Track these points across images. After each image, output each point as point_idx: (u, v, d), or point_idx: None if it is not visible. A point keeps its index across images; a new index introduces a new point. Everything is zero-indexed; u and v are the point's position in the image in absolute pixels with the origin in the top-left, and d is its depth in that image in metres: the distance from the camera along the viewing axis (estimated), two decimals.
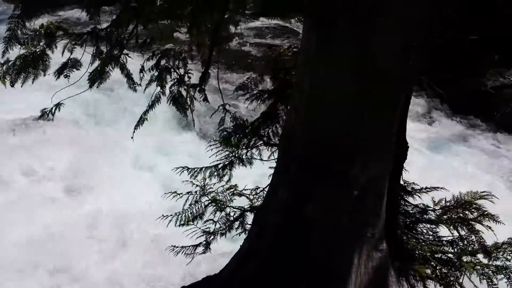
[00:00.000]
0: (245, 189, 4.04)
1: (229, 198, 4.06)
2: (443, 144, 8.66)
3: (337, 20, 2.47)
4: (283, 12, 4.94)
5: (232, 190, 4.04)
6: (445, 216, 3.88)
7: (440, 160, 8.10)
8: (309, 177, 2.79)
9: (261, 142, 3.60)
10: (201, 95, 4.19)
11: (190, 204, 3.95)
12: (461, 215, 3.82)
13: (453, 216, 3.86)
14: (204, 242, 4.03)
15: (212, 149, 3.82)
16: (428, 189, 3.88)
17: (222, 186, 4.01)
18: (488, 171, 7.88)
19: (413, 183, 3.97)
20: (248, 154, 3.71)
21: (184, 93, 4.18)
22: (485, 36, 3.05)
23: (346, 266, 2.85)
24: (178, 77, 4.14)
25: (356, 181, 2.73)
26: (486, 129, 9.19)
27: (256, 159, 3.72)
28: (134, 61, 4.13)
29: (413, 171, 7.59)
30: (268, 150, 3.65)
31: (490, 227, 3.74)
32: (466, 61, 6.70)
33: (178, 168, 3.79)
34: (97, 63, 3.93)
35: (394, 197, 3.20)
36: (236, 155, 3.78)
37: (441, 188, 3.89)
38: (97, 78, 4.02)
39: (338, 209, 2.78)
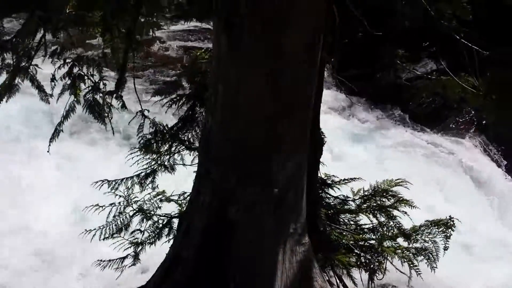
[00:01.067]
0: (173, 195, 4.01)
1: (157, 205, 4.02)
2: (363, 136, 9.09)
3: (247, 22, 2.51)
4: (199, 15, 4.93)
5: (160, 196, 4.00)
6: (364, 205, 4.08)
7: (360, 150, 8.51)
8: (231, 180, 2.81)
9: (183, 147, 3.59)
10: (118, 102, 4.08)
11: (114, 216, 3.87)
12: (379, 202, 4.04)
13: (372, 204, 4.07)
14: (133, 253, 3.96)
15: (133, 158, 3.75)
16: (347, 180, 4.06)
17: (149, 193, 3.96)
18: (405, 159, 8.40)
19: (333, 175, 4.14)
20: (170, 160, 3.68)
21: (100, 100, 4.05)
22: (388, 33, 3.25)
23: (271, 264, 2.90)
24: (92, 84, 4.00)
25: (275, 179, 2.79)
26: (402, 120, 9.77)
27: (178, 164, 3.70)
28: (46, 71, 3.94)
29: (335, 163, 7.93)
30: (190, 154, 3.64)
31: (405, 212, 3.99)
32: (376, 57, 7.12)
33: (97, 182, 3.68)
34: (4, 76, 3.72)
35: (314, 191, 3.32)
36: (159, 162, 3.74)
37: (358, 178, 4.07)
38: (5, 92, 3.80)
39: (260, 208, 2.83)
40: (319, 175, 4.14)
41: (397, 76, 8.68)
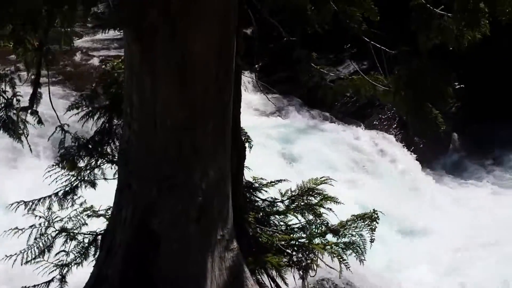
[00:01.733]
0: (100, 210, 3.87)
1: (83, 222, 3.85)
2: (295, 135, 9.32)
3: (157, 31, 2.48)
4: (115, 25, 4.79)
5: (87, 212, 3.84)
6: (293, 205, 4.15)
7: (294, 150, 8.72)
8: (152, 192, 2.76)
9: (103, 160, 3.47)
10: (34, 117, 3.88)
11: (35, 239, 3.67)
12: (306, 201, 4.13)
13: (300, 204, 4.15)
14: (59, 276, 3.78)
15: (51, 175, 3.57)
16: (274, 182, 4.11)
17: (75, 210, 3.79)
18: (334, 155, 8.71)
19: (261, 178, 4.18)
20: (91, 175, 3.54)
21: (14, 117, 3.83)
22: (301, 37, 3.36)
23: (200, 273, 2.88)
24: (5, 101, 3.79)
25: (198, 188, 2.77)
26: (329, 118, 10.13)
27: (100, 179, 3.58)
28: None
29: (266, 164, 8.03)
30: (112, 168, 3.53)
31: (331, 209, 4.11)
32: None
33: (13, 204, 3.48)
34: None
35: (240, 196, 3.33)
36: (80, 177, 3.60)
37: (284, 180, 4.14)
38: None
39: (184, 219, 2.80)
40: (248, 179, 4.19)
41: (322, 78, 8.93)
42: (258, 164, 7.60)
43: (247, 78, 10.77)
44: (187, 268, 2.88)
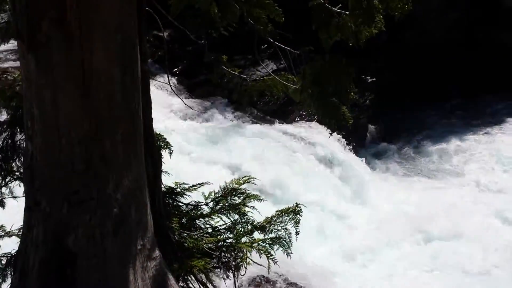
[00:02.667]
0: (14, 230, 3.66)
1: None
2: (219, 137, 9.34)
3: (52, 40, 2.39)
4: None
5: None
6: (218, 207, 4.17)
7: (218, 151, 8.75)
8: (62, 208, 2.64)
9: (10, 178, 3.29)
10: None
11: None
12: (230, 202, 4.17)
13: (224, 205, 4.19)
14: None
15: None
16: (196, 186, 4.11)
17: None
18: (260, 153, 8.85)
19: (183, 182, 4.17)
20: None
21: None
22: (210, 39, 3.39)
23: (122, 286, 2.80)
24: None
25: (112, 200, 2.70)
26: (255, 117, 10.29)
27: (8, 197, 3.38)
28: None
29: (192, 167, 7.99)
30: (20, 185, 3.35)
31: (254, 207, 4.18)
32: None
33: None
34: None
35: (159, 203, 3.29)
36: None
37: (206, 182, 4.15)
38: None
39: (100, 233, 2.71)
40: (170, 185, 4.15)
41: (243, 79, 9.06)
42: (180, 169, 7.57)
43: (171, 81, 10.68)
44: (108, 282, 2.79)
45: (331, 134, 3.37)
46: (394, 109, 10.72)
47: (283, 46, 3.33)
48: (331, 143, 9.71)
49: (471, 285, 6.87)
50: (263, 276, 7.02)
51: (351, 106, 10.55)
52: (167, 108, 9.50)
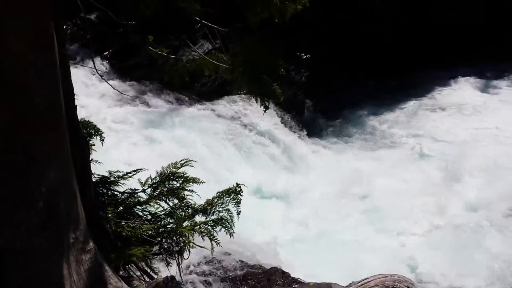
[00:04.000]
0: None
1: None
2: (157, 120, 9.14)
3: None
4: None
5: None
6: (156, 193, 4.09)
7: (162, 134, 8.59)
8: None
9: None
10: None
11: None
12: (168, 187, 4.09)
13: (162, 190, 4.11)
14: None
15: None
16: (131, 173, 4.00)
17: None
18: (200, 135, 8.78)
19: (118, 171, 4.04)
20: None
21: None
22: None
23: (56, 282, 2.69)
24: None
25: (37, 194, 2.56)
26: (191, 99, 10.13)
27: None
28: None
29: (130, 153, 7.77)
30: None
31: (193, 190, 4.13)
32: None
33: None
34: None
35: (90, 194, 3.17)
36: None
37: (141, 169, 4.04)
38: None
39: (27, 228, 2.57)
40: (104, 174, 4.00)
41: (174, 59, 8.87)
42: (119, 154, 7.34)
43: (103, 65, 10.23)
44: (41, 279, 2.67)
45: (265, 111, 3.37)
46: (329, 84, 10.95)
47: (210, 24, 3.26)
48: (269, 120, 9.78)
49: (412, 244, 7.29)
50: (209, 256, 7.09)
51: (290, 83, 10.65)
52: (100, 93, 9.13)
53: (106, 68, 10.12)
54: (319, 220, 7.87)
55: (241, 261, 7.08)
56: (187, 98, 9.97)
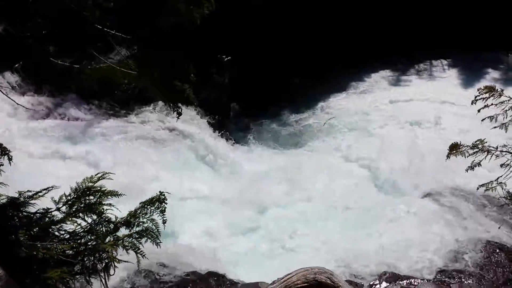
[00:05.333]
0: None
1: None
2: (76, 133, 8.74)
3: None
4: None
5: None
6: (72, 210, 3.88)
7: (76, 149, 8.21)
8: None
9: None
10: None
11: None
12: (86, 202, 3.90)
13: (79, 206, 3.90)
14: None
15: None
16: (42, 192, 3.77)
17: None
18: (120, 146, 8.51)
19: (28, 190, 3.79)
20: None
21: None
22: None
23: None
24: None
25: None
26: (111, 109, 9.78)
27: None
28: None
29: (46, 169, 7.36)
30: None
31: (111, 204, 3.97)
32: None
33: None
34: None
35: None
36: None
37: (52, 187, 3.83)
38: None
39: None
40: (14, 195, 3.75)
41: (81, 70, 8.57)
42: (31, 173, 6.94)
43: (14, 79, 9.59)
44: None
45: (178, 117, 3.31)
46: (254, 85, 11.04)
47: (113, 32, 3.15)
48: (195, 124, 9.70)
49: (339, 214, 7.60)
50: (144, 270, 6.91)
51: (212, 86, 10.62)
52: (10, 109, 8.54)
53: (17, 82, 9.52)
54: (251, 222, 7.93)
55: (178, 269, 6.97)
56: (107, 108, 9.62)
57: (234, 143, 10.10)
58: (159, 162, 8.69)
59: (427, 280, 6.50)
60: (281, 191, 8.33)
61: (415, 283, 6.48)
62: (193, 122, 9.64)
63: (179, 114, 3.15)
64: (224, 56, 10.38)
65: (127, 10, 4.25)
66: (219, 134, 9.91)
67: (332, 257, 6.85)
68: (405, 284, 6.49)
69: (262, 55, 10.92)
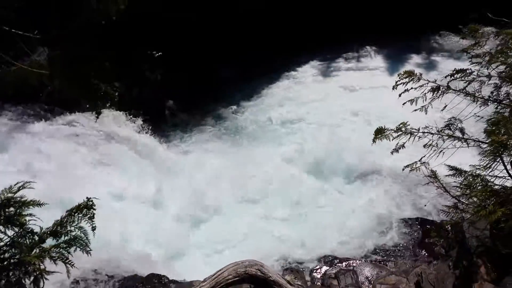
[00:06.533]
0: None
1: None
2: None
3: None
4: None
5: None
6: None
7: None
8: None
9: None
10: None
11: None
12: (6, 214, 3.67)
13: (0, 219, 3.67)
14: None
15: None
16: None
17: None
18: (50, 150, 8.11)
19: None
20: None
21: None
22: None
23: None
24: None
25: None
26: (39, 112, 9.29)
27: None
28: None
29: None
30: None
31: (31, 214, 3.75)
32: None
33: None
34: None
35: None
36: None
37: None
38: None
39: None
40: None
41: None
42: None
43: None
44: None
45: (97, 117, 3.17)
46: (188, 80, 10.85)
47: (21, 33, 2.96)
48: (128, 124, 9.41)
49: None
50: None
51: (144, 84, 10.31)
52: None
53: None
54: (187, 223, 7.84)
55: (116, 275, 6.78)
56: (33, 111, 9.11)
57: (170, 141, 9.89)
58: (90, 165, 8.36)
59: (364, 260, 6.74)
60: (219, 190, 8.29)
61: (354, 264, 6.70)
62: (125, 122, 9.34)
63: (98, 113, 3.02)
64: (154, 52, 10.12)
65: (38, 8, 4.03)
66: (154, 133, 9.66)
67: (272, 248, 6.94)
68: (344, 266, 6.69)
69: (193, 50, 10.75)
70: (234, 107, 11.26)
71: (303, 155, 9.01)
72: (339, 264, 6.77)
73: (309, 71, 12.24)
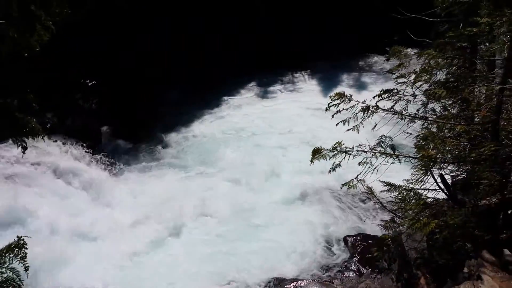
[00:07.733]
0: None
1: None
2: None
3: None
4: None
5: None
6: None
7: None
8: None
9: None
10: None
11: None
12: None
13: None
14: None
15: None
16: None
17: None
18: None
19: None
20: None
21: None
22: None
23: None
24: None
25: None
26: None
27: None
28: None
29: None
30: None
31: None
32: None
33: None
34: None
35: None
36: None
37: None
38: None
39: None
40: None
41: None
42: None
43: None
44: None
45: (23, 152, 2.97)
46: (121, 107, 10.66)
47: None
48: (64, 153, 9.06)
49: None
50: None
51: (78, 113, 10.00)
52: None
53: None
54: (133, 251, 7.60)
55: None
56: None
57: (108, 168, 9.59)
58: (26, 200, 7.91)
59: (311, 280, 6.78)
60: (159, 215, 8.13)
61: (302, 284, 6.71)
62: (59, 153, 8.98)
63: (24, 148, 2.87)
64: (88, 81, 9.88)
65: None
66: (91, 161, 9.35)
67: (219, 272, 6.85)
68: (292, 286, 6.69)
69: (127, 78, 10.61)
70: (173, 132, 11.16)
71: (246, 176, 9.03)
72: (287, 286, 6.76)
73: (246, 94, 12.53)
